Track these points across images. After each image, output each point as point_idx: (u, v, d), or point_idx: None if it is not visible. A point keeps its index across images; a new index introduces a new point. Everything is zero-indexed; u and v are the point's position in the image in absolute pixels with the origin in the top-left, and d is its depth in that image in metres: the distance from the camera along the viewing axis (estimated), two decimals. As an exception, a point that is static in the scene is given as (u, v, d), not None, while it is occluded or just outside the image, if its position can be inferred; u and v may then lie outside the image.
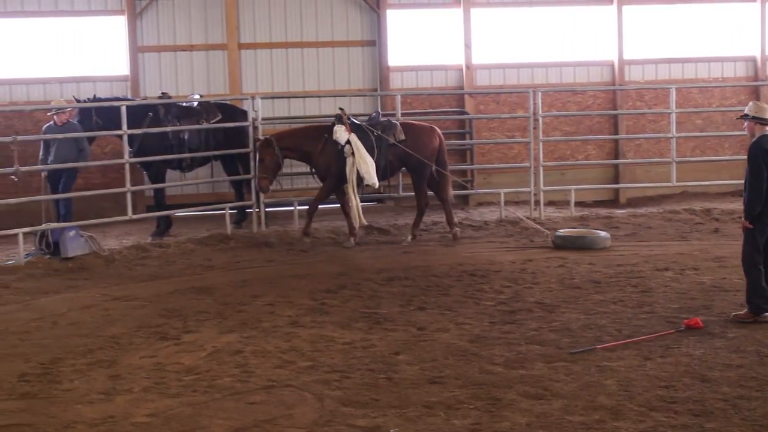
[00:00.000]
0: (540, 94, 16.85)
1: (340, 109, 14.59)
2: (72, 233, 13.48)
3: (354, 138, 13.98)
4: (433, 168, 14.60)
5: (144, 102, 15.52)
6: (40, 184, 15.23)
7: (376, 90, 19.04)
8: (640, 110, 19.46)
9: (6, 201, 14.35)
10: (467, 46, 19.08)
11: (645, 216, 16.50)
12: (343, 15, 19.04)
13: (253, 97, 15.73)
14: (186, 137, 15.54)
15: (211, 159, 16.27)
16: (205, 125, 15.59)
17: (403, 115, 16.80)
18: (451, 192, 15.20)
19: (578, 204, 17.27)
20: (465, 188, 17.87)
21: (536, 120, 16.78)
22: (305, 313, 9.95)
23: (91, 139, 15.16)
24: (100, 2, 18.21)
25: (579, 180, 18.24)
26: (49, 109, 14.85)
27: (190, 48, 18.52)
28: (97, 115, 15.13)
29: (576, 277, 11.49)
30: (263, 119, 15.79)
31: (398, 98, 16.57)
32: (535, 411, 6.62)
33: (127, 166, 14.49)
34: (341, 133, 13.99)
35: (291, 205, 16.04)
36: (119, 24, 18.31)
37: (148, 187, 16.21)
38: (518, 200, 17.97)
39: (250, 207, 15.80)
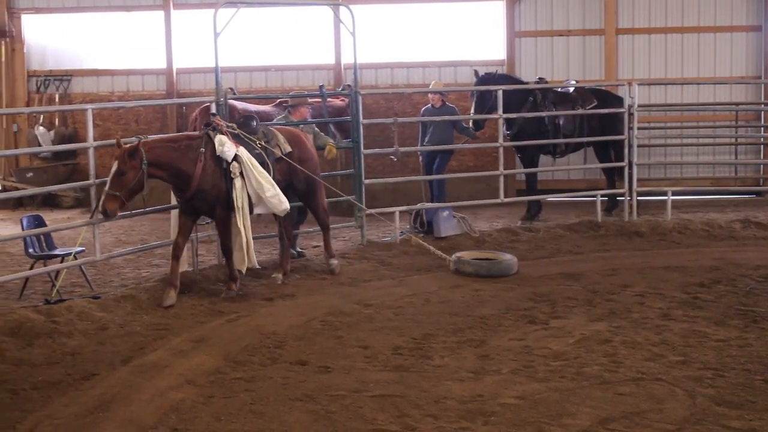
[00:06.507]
0: None
1: (213, 114, 11.22)
2: (445, 214, 13.86)
3: (244, 152, 10.52)
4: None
5: (525, 87, 15.64)
6: (417, 164, 15.84)
7: (759, 78, 18.16)
8: None
9: (385, 180, 15.01)
10: None
11: None
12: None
13: (629, 84, 15.41)
14: (561, 123, 15.51)
15: (585, 145, 16.17)
16: (580, 111, 15.48)
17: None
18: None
19: None
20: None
21: None
22: (677, 306, 9.63)
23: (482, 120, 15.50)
24: (482, -11, 18.68)
25: None
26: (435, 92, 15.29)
27: (567, 33, 18.52)
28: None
29: None
30: (639, 106, 15.43)
31: (784, 87, 15.72)
32: None
33: (501, 150, 14.67)
34: (228, 147, 10.39)
35: (664, 194, 15.57)
36: (498, 9, 18.64)
37: (521, 171, 16.36)
38: None
39: (621, 195, 15.51)
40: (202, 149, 10.33)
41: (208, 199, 10.41)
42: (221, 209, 10.47)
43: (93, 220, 10.31)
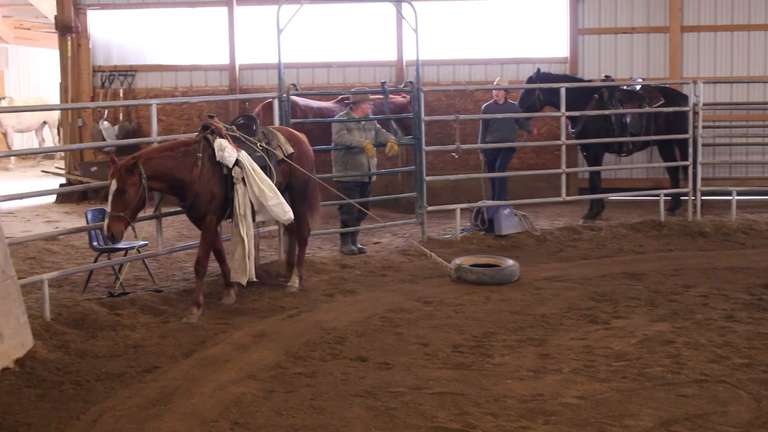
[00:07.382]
0: None
1: (210, 116, 10.17)
2: (507, 211, 13.77)
3: (245, 157, 9.78)
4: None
5: (590, 84, 15.53)
6: (478, 162, 15.80)
7: (828, 77, 17.87)
8: None
9: (445, 177, 15.00)
10: None
11: None
12: (797, -5, 18.03)
13: (694, 82, 15.20)
14: (628, 121, 15.34)
15: (650, 144, 15.99)
16: (647, 109, 15.30)
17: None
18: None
19: None
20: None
21: None
22: (741, 307, 9.48)
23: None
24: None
25: None
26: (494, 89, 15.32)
27: (631, 30, 18.30)
28: (544, 93, 15.29)
29: None
30: (704, 105, 15.20)
31: None
32: None
33: (563, 148, 14.56)
34: (229, 152, 9.68)
35: (729, 194, 15.35)
36: (561, 6, 18.49)
37: (584, 170, 16.24)
38: None
39: (685, 194, 15.32)
40: (199, 154, 9.62)
41: (199, 206, 9.70)
42: (210, 216, 9.76)
43: (156, 213, 10.38)
